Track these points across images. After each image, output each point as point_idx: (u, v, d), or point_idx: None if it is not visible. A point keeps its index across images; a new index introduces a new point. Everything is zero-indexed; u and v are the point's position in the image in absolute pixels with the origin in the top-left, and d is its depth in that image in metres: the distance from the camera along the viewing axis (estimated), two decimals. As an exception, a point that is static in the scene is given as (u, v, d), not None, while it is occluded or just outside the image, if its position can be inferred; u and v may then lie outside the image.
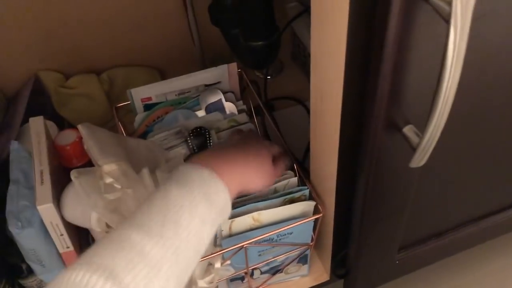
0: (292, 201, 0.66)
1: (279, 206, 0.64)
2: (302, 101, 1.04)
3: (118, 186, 0.59)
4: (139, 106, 0.82)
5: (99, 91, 1.00)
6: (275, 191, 0.67)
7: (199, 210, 0.46)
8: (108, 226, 0.69)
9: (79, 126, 0.63)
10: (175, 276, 0.42)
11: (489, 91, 0.56)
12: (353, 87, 0.48)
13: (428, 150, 0.47)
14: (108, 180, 0.58)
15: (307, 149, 0.82)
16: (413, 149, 0.48)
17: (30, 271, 0.75)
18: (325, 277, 0.80)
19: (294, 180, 0.68)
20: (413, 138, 0.49)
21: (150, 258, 0.40)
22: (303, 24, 1.00)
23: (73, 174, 0.59)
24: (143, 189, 0.62)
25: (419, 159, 0.48)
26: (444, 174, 0.64)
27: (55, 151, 0.76)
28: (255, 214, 0.63)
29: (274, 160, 0.63)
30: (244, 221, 0.63)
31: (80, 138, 0.77)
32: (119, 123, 0.81)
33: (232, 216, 0.62)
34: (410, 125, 0.49)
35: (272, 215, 0.64)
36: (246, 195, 0.65)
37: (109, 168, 0.60)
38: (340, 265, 0.78)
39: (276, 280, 0.79)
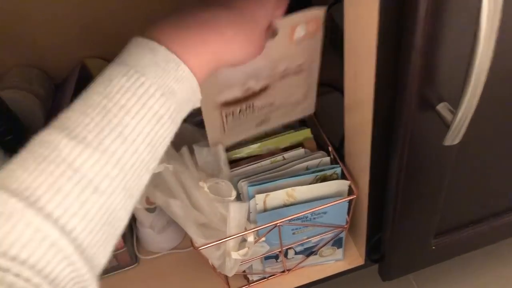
0: (324, 178, 0.66)
1: (311, 183, 0.65)
2: (339, 88, 1.03)
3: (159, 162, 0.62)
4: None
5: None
6: (307, 168, 0.67)
7: (152, 106, 0.36)
8: (147, 202, 0.73)
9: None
10: (122, 188, 0.35)
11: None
12: (386, 63, 0.48)
13: (462, 127, 0.47)
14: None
15: (344, 137, 0.83)
16: (447, 126, 0.48)
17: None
18: (359, 261, 0.81)
19: (327, 159, 0.68)
20: (447, 115, 0.48)
21: (85, 173, 0.33)
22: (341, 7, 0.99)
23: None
24: (182, 166, 0.65)
25: (453, 137, 0.48)
26: (482, 155, 0.63)
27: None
28: (289, 190, 0.64)
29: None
30: (279, 196, 0.64)
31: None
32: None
33: (267, 191, 0.64)
34: (444, 102, 0.49)
35: (306, 192, 0.65)
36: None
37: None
38: (375, 249, 0.78)
39: (310, 263, 0.80)
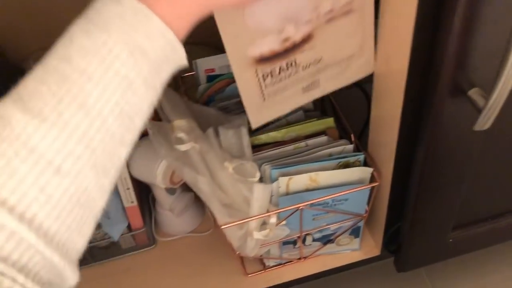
0: (346, 165, 0.67)
1: (334, 169, 0.66)
2: (360, 84, 1.04)
3: (187, 140, 0.63)
4: (202, 77, 0.86)
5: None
6: (330, 155, 0.68)
7: (118, 69, 0.31)
8: (171, 181, 0.74)
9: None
10: (91, 167, 0.30)
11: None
12: (421, 48, 0.49)
13: (493, 112, 0.48)
14: (179, 134, 0.62)
15: (363, 130, 0.84)
16: (478, 111, 0.49)
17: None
18: (375, 252, 0.81)
19: (350, 147, 0.69)
20: (479, 100, 0.49)
21: (42, 152, 0.28)
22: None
23: (148, 125, 0.63)
24: (208, 146, 0.66)
25: (484, 122, 0.49)
26: (508, 147, 0.63)
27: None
28: (312, 174, 0.65)
29: None
30: (302, 180, 0.65)
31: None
32: (185, 91, 0.85)
33: (289, 175, 0.64)
34: (476, 88, 0.50)
35: (329, 178, 0.66)
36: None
37: (180, 124, 0.64)
38: (392, 240, 0.79)
39: (326, 251, 0.81)
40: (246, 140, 0.69)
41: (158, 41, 0.32)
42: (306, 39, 0.53)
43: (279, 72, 0.55)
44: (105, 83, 0.30)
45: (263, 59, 0.53)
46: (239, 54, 0.51)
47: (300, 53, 0.55)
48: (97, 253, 0.84)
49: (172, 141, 0.63)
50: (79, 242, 0.32)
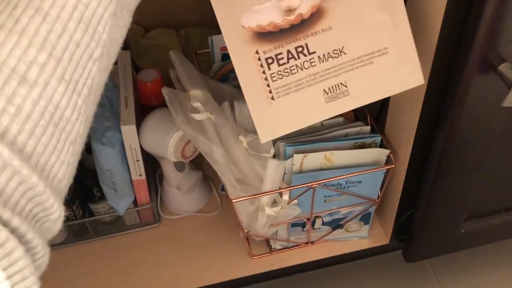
0: (362, 146, 0.66)
1: (349, 149, 0.65)
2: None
3: (203, 110, 0.61)
4: (217, 54, 0.84)
5: (176, 44, 1.04)
6: (346, 135, 0.67)
7: None
8: (183, 155, 0.72)
9: (171, 53, 0.66)
10: (59, 78, 0.28)
11: None
12: (452, 21, 0.48)
13: (524, 88, 0.47)
14: (195, 103, 0.61)
15: (379, 113, 0.83)
16: (509, 86, 0.48)
17: (101, 197, 0.78)
18: (384, 240, 0.80)
19: (367, 128, 0.68)
20: (510, 74, 0.48)
21: (3, 60, 0.27)
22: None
23: (164, 90, 0.62)
24: (223, 118, 0.64)
25: (513, 97, 0.48)
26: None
27: (136, 88, 0.80)
28: (327, 153, 0.64)
29: None
30: (316, 159, 0.64)
31: (161, 77, 0.81)
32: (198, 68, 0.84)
33: (304, 152, 0.63)
34: (507, 63, 0.49)
35: (344, 158, 0.65)
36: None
37: (196, 94, 0.62)
38: (402, 229, 0.77)
39: (335, 237, 0.79)
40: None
41: None
42: (317, 14, 0.45)
43: (288, 60, 0.46)
44: None
45: (264, 36, 0.44)
46: (232, 24, 0.43)
47: (313, 36, 0.46)
48: (100, 228, 0.82)
49: (188, 110, 0.61)
50: (60, 170, 0.29)
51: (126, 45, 1.05)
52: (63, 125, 0.29)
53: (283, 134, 0.52)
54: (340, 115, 0.73)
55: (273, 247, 0.79)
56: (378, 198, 0.72)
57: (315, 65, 0.48)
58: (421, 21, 0.52)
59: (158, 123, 0.70)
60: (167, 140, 0.69)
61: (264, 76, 0.47)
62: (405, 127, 0.62)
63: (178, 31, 1.07)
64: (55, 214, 0.29)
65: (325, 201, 0.70)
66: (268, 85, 0.48)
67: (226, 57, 0.85)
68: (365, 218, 0.76)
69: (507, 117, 0.53)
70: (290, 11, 0.45)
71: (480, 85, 0.51)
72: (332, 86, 0.49)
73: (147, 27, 1.06)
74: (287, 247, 0.79)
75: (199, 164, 0.84)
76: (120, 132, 0.69)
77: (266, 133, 0.50)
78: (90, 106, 0.32)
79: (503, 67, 0.49)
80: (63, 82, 0.29)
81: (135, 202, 0.80)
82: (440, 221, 0.71)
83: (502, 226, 0.75)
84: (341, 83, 0.49)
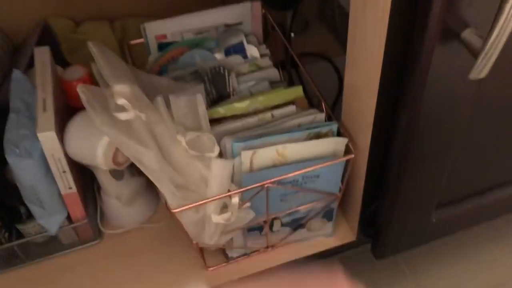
0: (318, 136, 0.59)
1: (304, 141, 0.58)
2: (329, 57, 0.97)
3: (130, 108, 0.52)
4: (153, 44, 0.75)
5: (111, 38, 0.94)
6: (299, 125, 0.60)
7: None
8: (115, 161, 0.63)
9: (89, 43, 0.57)
10: None
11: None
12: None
13: (492, 55, 0.40)
14: (121, 100, 0.52)
15: (335, 101, 0.76)
16: (475, 55, 0.41)
17: (29, 216, 0.68)
18: (350, 237, 0.73)
19: (321, 116, 0.61)
20: (475, 41, 0.41)
21: None
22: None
23: (80, 88, 0.52)
24: (157, 116, 0.55)
25: (482, 67, 0.41)
26: (505, 107, 0.56)
27: (62, 88, 0.71)
28: (279, 147, 0.56)
29: None
30: (268, 154, 0.56)
31: (89, 75, 0.72)
32: (132, 62, 0.75)
33: (254, 148, 0.55)
34: (471, 28, 0.42)
35: (299, 151, 0.57)
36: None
37: (121, 89, 0.53)
38: (369, 224, 0.71)
39: (297, 238, 0.72)
40: (202, 109, 0.59)
41: None
42: None
43: None
44: None
45: None
46: None
47: None
48: (32, 250, 0.72)
49: (112, 107, 0.52)
50: None
51: (55, 42, 0.94)
52: None
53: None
54: (293, 103, 0.65)
55: (230, 255, 0.71)
56: (339, 192, 0.65)
57: None
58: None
59: (83, 127, 0.61)
60: (94, 147, 0.60)
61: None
62: (362, 112, 0.55)
63: (112, 23, 0.97)
64: None
65: (281, 200, 0.63)
66: None
67: (163, 46, 0.76)
68: (328, 215, 0.69)
69: (476, 91, 0.47)
70: None
71: (443, 56, 0.45)
72: None
73: (78, 20, 0.96)
74: (246, 254, 0.72)
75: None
76: (38, 140, 0.59)
77: None
78: None
79: (466, 34, 0.42)
80: None
81: (69, 219, 0.70)
82: (409, 212, 0.65)
83: (475, 211, 0.70)
84: None
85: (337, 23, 1.02)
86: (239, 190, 0.56)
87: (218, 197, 0.55)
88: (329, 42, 1.03)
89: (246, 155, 0.56)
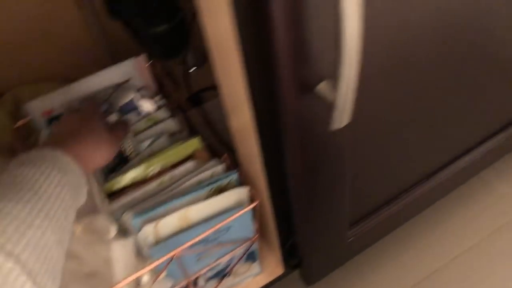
0: (220, 190, 0.59)
1: (207, 198, 0.57)
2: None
3: None
4: (40, 121, 0.72)
5: (1, 113, 0.89)
6: (200, 182, 0.59)
7: (54, 178, 0.44)
8: None
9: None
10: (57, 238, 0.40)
11: (411, 42, 0.50)
12: (251, 52, 0.42)
13: (347, 105, 0.41)
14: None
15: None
16: (331, 107, 0.42)
17: None
18: (278, 270, 0.74)
19: (219, 168, 0.60)
20: (329, 94, 0.42)
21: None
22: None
23: None
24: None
25: (340, 118, 0.42)
26: (379, 133, 0.58)
27: None
28: (182, 211, 0.55)
29: (112, 128, 0.60)
30: (171, 222, 0.55)
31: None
32: (22, 145, 0.72)
33: (156, 218, 0.54)
34: (325, 80, 0.43)
35: (203, 210, 0.57)
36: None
37: None
38: (292, 254, 0.71)
39: (227, 285, 0.72)
40: (95, 189, 0.57)
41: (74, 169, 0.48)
42: None
43: None
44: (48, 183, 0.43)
45: None
46: None
47: None
48: None
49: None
50: None
51: None
52: None
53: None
54: (193, 157, 0.65)
55: (163, 319, 0.70)
56: (255, 234, 0.65)
57: None
58: (220, 51, 0.44)
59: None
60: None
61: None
62: (253, 158, 0.55)
63: (2, 97, 0.92)
64: None
65: (198, 259, 0.62)
66: None
67: (52, 119, 0.73)
68: (251, 257, 0.69)
69: (350, 125, 0.48)
70: None
71: (305, 110, 0.45)
72: None
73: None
74: (180, 314, 0.70)
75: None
76: None
77: None
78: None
79: (321, 87, 0.43)
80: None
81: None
82: (323, 239, 0.67)
83: (389, 219, 0.73)
84: None
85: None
86: (146, 269, 0.54)
87: (126, 281, 0.53)
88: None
89: (148, 229, 0.55)
